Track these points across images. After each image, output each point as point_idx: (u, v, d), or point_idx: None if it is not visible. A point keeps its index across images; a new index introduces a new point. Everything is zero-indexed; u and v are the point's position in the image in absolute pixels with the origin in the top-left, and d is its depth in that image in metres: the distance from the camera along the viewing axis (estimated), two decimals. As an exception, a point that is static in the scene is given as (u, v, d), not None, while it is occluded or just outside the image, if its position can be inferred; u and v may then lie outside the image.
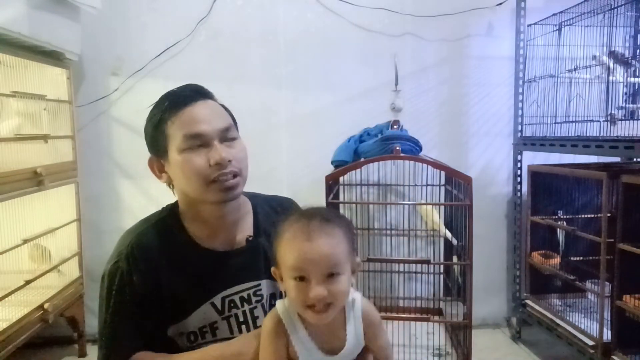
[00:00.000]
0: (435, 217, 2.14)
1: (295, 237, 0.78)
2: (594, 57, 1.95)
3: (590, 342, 1.80)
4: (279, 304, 0.84)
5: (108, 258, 0.95)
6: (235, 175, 0.93)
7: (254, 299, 0.99)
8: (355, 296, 0.85)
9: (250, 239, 1.01)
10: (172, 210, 1.01)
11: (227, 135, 0.95)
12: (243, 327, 0.97)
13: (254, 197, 1.09)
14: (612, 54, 1.86)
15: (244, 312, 0.98)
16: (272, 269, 0.85)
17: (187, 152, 0.91)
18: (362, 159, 2.02)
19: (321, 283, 0.76)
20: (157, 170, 0.98)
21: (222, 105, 1.00)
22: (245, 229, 1.02)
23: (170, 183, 0.99)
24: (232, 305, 0.97)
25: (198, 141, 0.91)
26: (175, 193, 1.00)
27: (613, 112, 1.83)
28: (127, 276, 0.92)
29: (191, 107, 0.93)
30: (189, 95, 0.94)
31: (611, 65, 1.88)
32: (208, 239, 0.98)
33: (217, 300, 0.96)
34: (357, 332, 0.83)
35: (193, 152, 0.91)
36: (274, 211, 1.08)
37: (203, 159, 0.91)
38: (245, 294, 0.98)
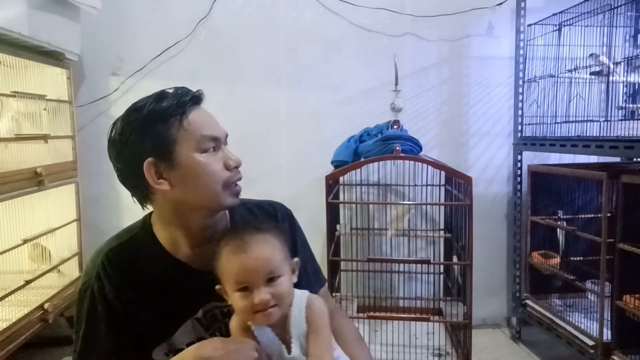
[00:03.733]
0: (405, 220, 2.11)
1: (230, 253, 0.84)
2: (592, 55, 1.96)
3: (590, 342, 1.80)
4: None
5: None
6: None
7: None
8: (300, 294, 0.90)
9: None
10: (144, 225, 0.96)
11: (226, 141, 0.94)
12: None
13: None
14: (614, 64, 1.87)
15: (226, 324, 0.94)
16: (217, 287, 0.87)
17: (205, 154, 0.87)
18: (362, 159, 2.02)
19: (263, 288, 0.82)
20: (154, 175, 0.86)
21: None
22: None
23: (163, 191, 0.86)
24: (213, 319, 0.95)
25: (214, 143, 0.89)
26: (154, 205, 0.92)
27: (633, 107, 1.82)
28: (99, 295, 0.89)
29: (199, 108, 0.90)
30: (195, 95, 0.90)
31: (611, 65, 1.88)
32: (183, 252, 0.93)
33: (200, 314, 0.94)
34: (300, 329, 0.86)
35: (210, 154, 0.88)
36: (253, 217, 1.04)
37: (219, 162, 0.88)
38: (225, 309, 0.95)
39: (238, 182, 0.91)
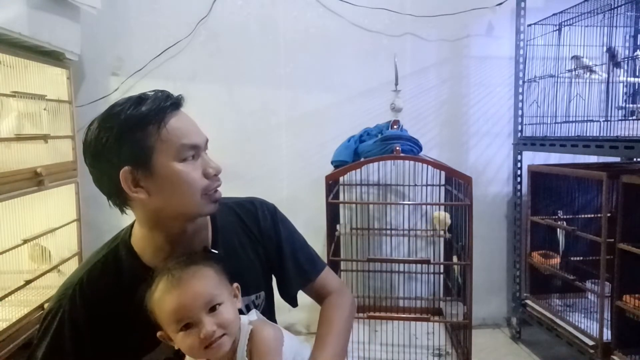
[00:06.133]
0: (447, 220, 2.16)
1: (164, 293, 0.80)
2: (574, 57, 1.97)
3: (590, 342, 1.80)
4: None
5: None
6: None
7: None
8: (245, 321, 0.87)
9: (208, 250, 0.96)
10: (125, 235, 0.95)
11: (207, 146, 0.91)
12: None
13: None
14: (610, 56, 1.87)
15: None
16: (159, 333, 0.84)
17: (184, 163, 0.84)
18: (362, 159, 2.02)
19: (206, 320, 0.79)
20: (130, 184, 0.83)
21: None
22: (203, 242, 0.97)
23: (141, 199, 0.84)
24: None
25: (193, 152, 0.86)
26: (133, 210, 0.90)
27: (633, 107, 1.84)
28: (68, 318, 0.87)
29: (179, 114, 0.87)
30: (174, 101, 0.87)
31: (586, 67, 1.89)
32: (164, 261, 0.90)
33: None
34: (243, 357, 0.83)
35: (188, 162, 0.85)
36: (236, 217, 1.03)
37: (198, 170, 0.86)
38: None
39: (218, 189, 0.89)
